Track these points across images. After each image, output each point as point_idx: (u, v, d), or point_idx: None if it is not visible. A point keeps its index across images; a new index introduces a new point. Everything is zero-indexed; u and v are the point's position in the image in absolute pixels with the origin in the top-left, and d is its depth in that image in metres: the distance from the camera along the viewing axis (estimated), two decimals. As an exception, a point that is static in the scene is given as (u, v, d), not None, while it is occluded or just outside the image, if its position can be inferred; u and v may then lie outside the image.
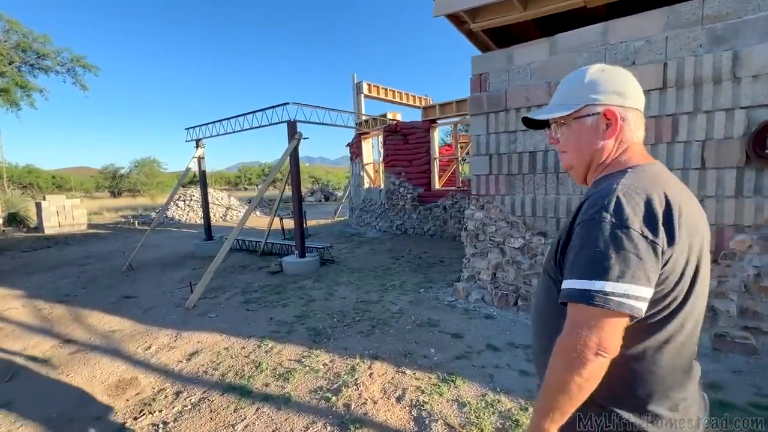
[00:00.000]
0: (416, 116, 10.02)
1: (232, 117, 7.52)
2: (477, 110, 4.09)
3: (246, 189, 57.24)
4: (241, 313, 4.56)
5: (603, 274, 0.71)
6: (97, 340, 4.03)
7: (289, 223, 12.13)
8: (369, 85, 12.28)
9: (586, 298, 0.72)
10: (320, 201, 28.64)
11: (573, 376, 0.72)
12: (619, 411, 0.80)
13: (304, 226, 11.26)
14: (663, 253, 0.72)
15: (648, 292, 0.72)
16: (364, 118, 8.25)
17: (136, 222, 15.32)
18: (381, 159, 11.29)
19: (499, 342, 3.35)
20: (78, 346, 3.86)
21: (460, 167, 11.02)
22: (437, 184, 8.98)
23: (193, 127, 8.61)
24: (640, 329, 0.77)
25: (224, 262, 7.45)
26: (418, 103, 13.37)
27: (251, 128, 7.26)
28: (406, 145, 8.92)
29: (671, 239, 0.73)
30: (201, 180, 8.72)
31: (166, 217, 16.17)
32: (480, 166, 4.15)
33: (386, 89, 12.84)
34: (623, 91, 0.85)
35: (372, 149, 11.06)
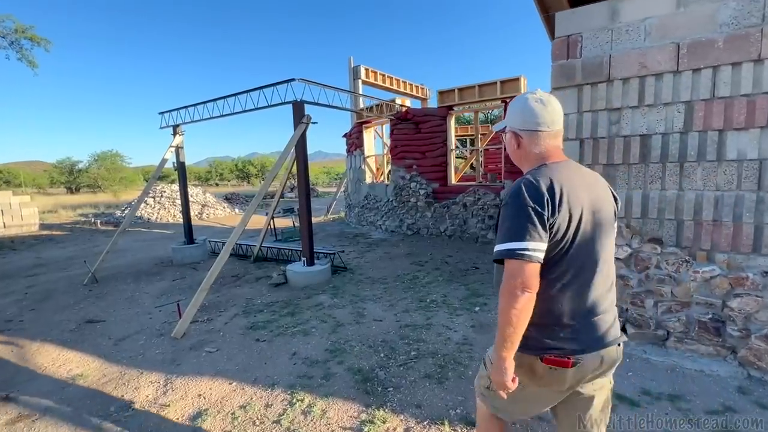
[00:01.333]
0: (415, 106, 9.04)
1: (220, 98, 6.30)
2: (565, 82, 3.19)
3: (218, 185, 54.64)
4: (249, 346, 3.49)
5: (514, 237, 1.10)
6: (51, 393, 2.86)
7: (280, 223, 10.92)
8: (367, 69, 11.22)
9: (507, 254, 1.10)
10: (301, 197, 27.26)
11: (512, 309, 1.09)
12: (530, 327, 1.14)
13: (298, 224, 10.11)
14: (548, 219, 1.10)
15: (542, 246, 1.10)
16: (375, 102, 7.23)
17: (98, 221, 13.58)
18: (386, 151, 10.29)
19: (629, 389, 2.48)
20: (21, 408, 2.68)
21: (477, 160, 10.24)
22: (454, 179, 8.11)
23: (169, 111, 7.30)
24: (542, 270, 1.13)
25: (211, 271, 6.28)
26: (416, 93, 12.44)
27: (244, 111, 6.08)
28: (418, 134, 7.97)
29: (553, 211, 1.11)
30: (180, 173, 7.43)
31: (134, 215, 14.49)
32: (566, 154, 3.25)
33: (384, 75, 11.82)
34: (522, 118, 1.26)
35: (374, 140, 10.03)
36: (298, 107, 5.28)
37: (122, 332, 4.01)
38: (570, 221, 1.12)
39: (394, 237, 8.27)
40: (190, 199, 16.22)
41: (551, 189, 1.12)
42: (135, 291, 5.49)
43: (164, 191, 16.04)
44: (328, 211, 13.56)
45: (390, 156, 8.68)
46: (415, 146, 8.04)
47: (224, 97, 6.25)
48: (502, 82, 6.81)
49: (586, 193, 1.18)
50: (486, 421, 1.47)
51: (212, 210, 16.17)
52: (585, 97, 3.12)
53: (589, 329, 1.18)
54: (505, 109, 6.85)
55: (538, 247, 1.08)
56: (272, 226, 9.41)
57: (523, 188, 1.12)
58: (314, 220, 13.26)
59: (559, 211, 1.10)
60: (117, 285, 5.82)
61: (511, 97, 6.85)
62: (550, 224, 1.10)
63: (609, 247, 1.23)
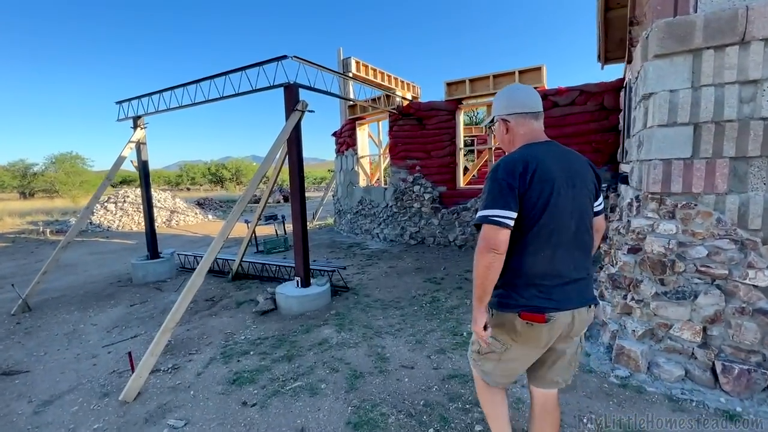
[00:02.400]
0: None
1: (192, 82, 5.19)
2: (675, 46, 2.35)
3: (189, 189, 52.07)
4: (234, 414, 2.44)
5: (489, 205, 1.28)
6: None
7: (261, 231, 9.69)
8: (358, 62, 10.26)
9: (481, 219, 1.28)
10: (279, 202, 25.91)
11: (481, 265, 1.29)
12: (509, 288, 1.36)
13: (282, 233, 8.98)
14: (519, 191, 1.28)
15: (512, 214, 1.26)
16: (376, 95, 6.24)
17: (48, 230, 11.92)
18: (383, 150, 9.32)
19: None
20: None
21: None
22: (462, 182, 7.25)
23: (129, 101, 6.09)
24: (517, 235, 1.31)
25: (179, 291, 5.15)
26: (409, 91, 11.58)
27: (223, 98, 5.00)
28: (422, 131, 7.07)
29: (523, 184, 1.28)
30: (142, 174, 6.21)
31: (91, 223, 12.88)
32: (672, 144, 2.41)
33: (376, 70, 10.90)
34: (506, 104, 1.46)
35: (368, 138, 9.05)
36: (292, 92, 4.27)
37: (51, 389, 2.88)
38: (541, 193, 1.28)
39: (395, 247, 7.29)
40: (158, 204, 14.70)
41: (525, 165, 1.29)
42: (79, 322, 4.29)
43: (127, 196, 14.45)
44: (313, 218, 12.43)
45: (389, 155, 7.73)
46: (419, 144, 7.14)
47: (197, 82, 5.14)
48: (521, 72, 6.02)
49: (562, 170, 1.33)
50: (484, 390, 1.64)
51: (182, 217, 14.70)
52: (705, 66, 2.29)
53: (562, 290, 1.34)
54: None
55: (508, 215, 1.26)
56: (254, 236, 8.27)
57: (501, 165, 1.32)
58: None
59: (530, 185, 1.27)
60: (57, 314, 4.59)
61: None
62: (521, 195, 1.28)
63: (587, 218, 1.40)
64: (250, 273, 5.89)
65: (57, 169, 31.48)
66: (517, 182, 1.26)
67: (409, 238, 7.34)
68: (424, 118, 7.06)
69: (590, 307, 1.39)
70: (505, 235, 1.24)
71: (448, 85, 6.78)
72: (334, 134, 9.72)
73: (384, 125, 9.93)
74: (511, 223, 1.25)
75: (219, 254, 6.81)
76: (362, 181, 8.70)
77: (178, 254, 6.93)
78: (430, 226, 7.09)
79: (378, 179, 10.10)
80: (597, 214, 1.49)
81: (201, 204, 19.90)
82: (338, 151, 9.48)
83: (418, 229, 7.21)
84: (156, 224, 14.22)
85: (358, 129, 8.48)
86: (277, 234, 9.04)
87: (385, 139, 9.83)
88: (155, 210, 14.07)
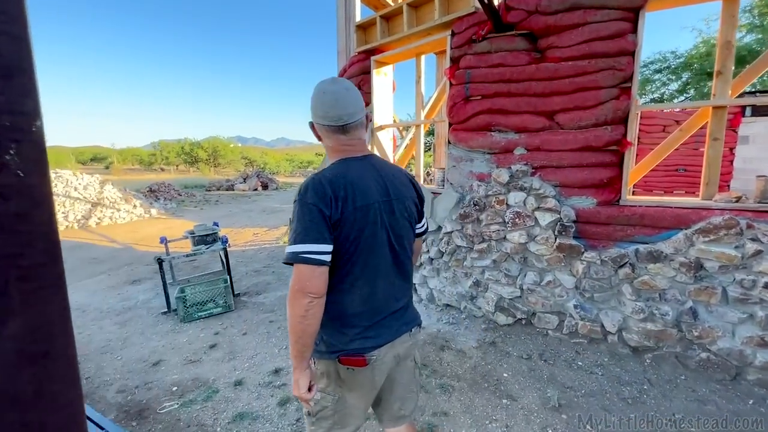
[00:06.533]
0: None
1: None
2: None
3: (163, 170, 46.99)
4: None
5: (299, 239, 1.03)
6: None
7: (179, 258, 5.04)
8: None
9: (292, 257, 1.04)
10: (256, 190, 21.70)
11: (295, 314, 1.04)
12: (322, 332, 1.16)
13: (225, 266, 4.89)
14: (331, 217, 1.06)
15: (327, 247, 1.04)
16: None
17: None
18: (428, 107, 5.06)
19: None
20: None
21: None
22: (627, 184, 3.24)
23: None
24: (330, 271, 1.08)
25: None
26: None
27: None
28: (537, 66, 3.07)
29: (335, 212, 1.06)
30: None
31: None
32: None
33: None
34: (313, 111, 1.19)
35: (394, 90, 4.94)
36: None
37: None
38: (355, 223, 1.10)
39: (462, 330, 3.27)
40: (74, 193, 10.36)
41: (336, 189, 1.09)
42: None
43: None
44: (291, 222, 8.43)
45: (447, 122, 3.67)
46: (527, 97, 3.09)
47: None
48: None
49: (380, 194, 1.17)
50: None
51: (110, 212, 10.45)
52: None
53: (380, 325, 1.19)
54: None
55: (324, 249, 1.05)
56: (164, 287, 4.24)
57: (309, 186, 1.10)
58: (266, 234, 8.12)
59: (343, 213, 1.08)
60: None
61: None
62: (333, 224, 1.08)
63: (407, 243, 1.26)
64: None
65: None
66: (329, 209, 1.07)
67: (494, 309, 3.34)
68: (545, 32, 3.00)
69: (411, 331, 1.29)
70: (323, 273, 1.05)
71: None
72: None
73: (429, 63, 5.77)
74: (328, 258, 1.06)
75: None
76: (379, 174, 4.71)
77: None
78: (550, 289, 3.10)
79: (410, 170, 6.06)
80: (418, 235, 1.38)
81: (153, 191, 15.57)
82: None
83: (519, 292, 3.23)
84: (65, 223, 9.97)
85: (374, 73, 4.39)
86: (222, 263, 5.00)
87: (429, 90, 5.68)
88: (67, 201, 9.75)
